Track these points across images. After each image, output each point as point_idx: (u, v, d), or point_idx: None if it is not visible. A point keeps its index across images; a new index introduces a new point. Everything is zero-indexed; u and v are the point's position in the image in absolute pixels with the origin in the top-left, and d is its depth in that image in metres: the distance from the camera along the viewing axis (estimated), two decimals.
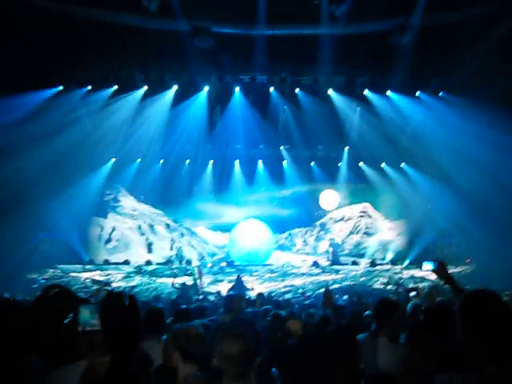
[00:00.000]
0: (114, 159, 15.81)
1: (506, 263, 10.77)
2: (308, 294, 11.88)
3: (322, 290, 3.90)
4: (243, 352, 2.00)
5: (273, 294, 10.95)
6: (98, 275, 12.88)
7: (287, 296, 11.09)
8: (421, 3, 10.64)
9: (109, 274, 13.01)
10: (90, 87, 13.40)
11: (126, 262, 14.64)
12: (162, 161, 16.96)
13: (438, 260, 2.72)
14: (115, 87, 13.64)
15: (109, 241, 16.60)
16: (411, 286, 11.78)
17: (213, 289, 12.17)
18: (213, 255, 17.73)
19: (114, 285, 12.34)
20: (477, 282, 8.58)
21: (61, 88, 12.84)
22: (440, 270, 2.71)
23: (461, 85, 12.27)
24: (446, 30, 10.72)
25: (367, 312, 5.24)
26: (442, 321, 2.48)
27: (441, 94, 13.70)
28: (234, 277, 12.96)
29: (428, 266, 2.82)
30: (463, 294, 2.47)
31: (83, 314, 1.82)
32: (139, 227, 17.33)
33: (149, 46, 11.57)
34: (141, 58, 12.44)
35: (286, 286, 12.72)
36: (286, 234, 18.72)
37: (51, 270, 12.79)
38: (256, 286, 12.35)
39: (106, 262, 14.65)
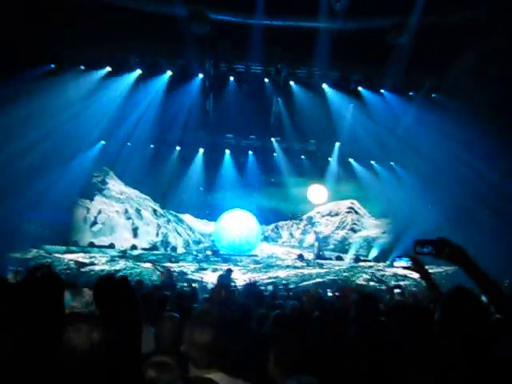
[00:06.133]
0: (103, 142, 15.65)
1: (490, 262, 10.94)
2: (290, 286, 11.95)
3: (305, 283, 3.97)
4: (212, 341, 1.89)
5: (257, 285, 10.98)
6: (81, 257, 12.80)
7: (270, 287, 11.13)
8: (419, 4, 10.67)
9: (93, 257, 12.93)
10: (82, 67, 13.21)
11: (112, 246, 14.57)
12: (152, 146, 16.83)
13: (410, 256, 2.66)
14: (108, 68, 13.47)
15: (94, 223, 16.47)
16: (393, 283, 11.93)
17: (196, 276, 12.21)
18: (198, 243, 17.73)
19: (97, 268, 12.29)
20: (460, 282, 8.68)
21: (52, 66, 12.64)
22: (414, 265, 2.67)
23: (454, 87, 12.36)
24: (443, 32, 10.76)
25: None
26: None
27: (433, 95, 13.80)
28: (219, 266, 12.99)
29: (401, 263, 2.73)
30: (438, 289, 2.54)
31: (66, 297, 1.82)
32: (126, 211, 17.22)
33: (145, 29, 11.38)
34: (136, 40, 12.22)
35: (270, 278, 12.80)
36: (272, 226, 18.79)
37: (34, 250, 12.67)
38: (239, 277, 12.38)
39: (91, 245, 14.56)
